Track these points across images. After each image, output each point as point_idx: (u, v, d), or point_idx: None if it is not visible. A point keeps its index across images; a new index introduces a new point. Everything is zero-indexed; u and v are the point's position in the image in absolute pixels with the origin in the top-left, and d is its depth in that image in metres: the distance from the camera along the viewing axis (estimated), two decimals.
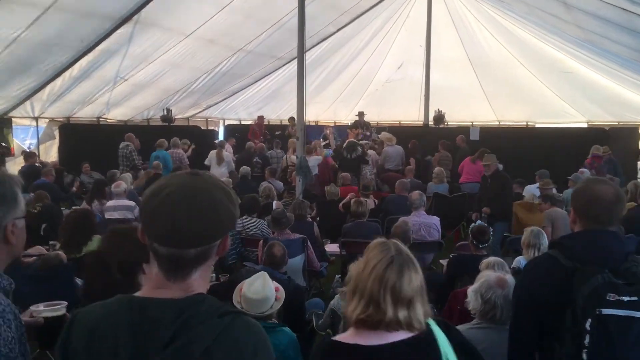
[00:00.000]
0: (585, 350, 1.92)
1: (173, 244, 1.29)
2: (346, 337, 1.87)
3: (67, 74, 10.25)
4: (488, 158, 7.93)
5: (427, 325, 1.85)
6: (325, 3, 12.12)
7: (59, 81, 10.44)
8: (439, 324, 1.90)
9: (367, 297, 1.82)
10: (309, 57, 14.16)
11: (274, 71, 15.43)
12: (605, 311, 1.90)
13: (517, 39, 14.21)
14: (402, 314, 1.79)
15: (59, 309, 2.28)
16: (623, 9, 7.17)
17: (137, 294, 1.34)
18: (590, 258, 2.02)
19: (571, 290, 1.98)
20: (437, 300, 5.12)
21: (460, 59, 16.00)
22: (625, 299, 1.90)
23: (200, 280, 1.36)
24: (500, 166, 8.56)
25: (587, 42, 10.81)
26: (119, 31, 9.53)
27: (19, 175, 10.29)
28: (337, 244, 6.55)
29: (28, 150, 11.48)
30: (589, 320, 1.91)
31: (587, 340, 1.91)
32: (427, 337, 1.83)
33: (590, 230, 2.12)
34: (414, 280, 1.84)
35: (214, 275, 5.57)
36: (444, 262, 6.02)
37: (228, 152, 12.44)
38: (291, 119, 14.96)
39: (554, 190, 8.04)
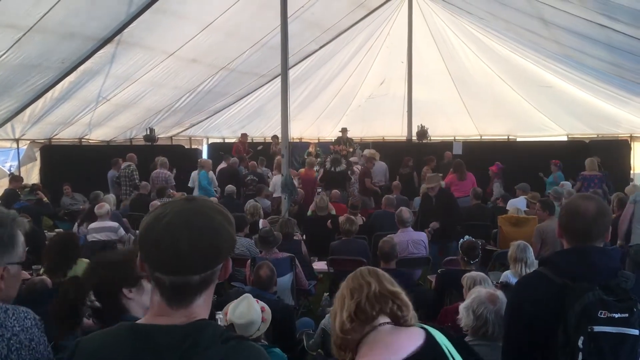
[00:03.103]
0: None
1: (176, 272, 1.29)
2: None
3: (48, 95, 10.18)
4: (430, 179, 8.05)
5: (425, 329, 1.81)
6: (307, 21, 12.20)
7: (40, 103, 10.36)
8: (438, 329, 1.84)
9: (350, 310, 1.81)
10: (291, 74, 14.22)
11: (257, 89, 15.45)
12: (597, 328, 1.92)
13: (497, 54, 14.42)
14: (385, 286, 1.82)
15: None
16: (599, 24, 7.33)
17: (139, 321, 1.34)
18: (579, 275, 2.04)
19: (562, 307, 2.00)
20: (427, 317, 5.13)
21: (441, 74, 16.18)
22: (616, 315, 1.92)
23: (203, 306, 1.35)
24: (443, 183, 8.77)
25: (565, 57, 11.00)
26: (100, 52, 9.50)
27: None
28: (325, 262, 6.53)
29: (9, 172, 11.34)
30: (581, 337, 1.92)
31: (579, 358, 1.92)
32: (433, 345, 1.76)
33: (578, 247, 2.14)
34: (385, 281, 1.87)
35: None
36: (431, 277, 6.03)
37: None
38: (274, 137, 15.00)
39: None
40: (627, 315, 1.92)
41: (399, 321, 1.80)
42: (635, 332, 1.91)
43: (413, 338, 1.76)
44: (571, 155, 11.77)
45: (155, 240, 1.29)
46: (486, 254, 7.17)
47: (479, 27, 13.51)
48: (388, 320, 1.79)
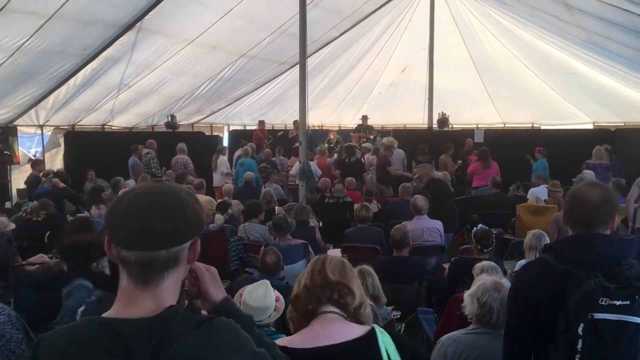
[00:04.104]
0: (578, 355, 1.90)
1: (142, 246, 1.26)
2: (288, 339, 1.82)
3: (71, 82, 10.32)
4: (419, 170, 7.88)
5: (372, 329, 1.78)
6: (328, 8, 12.13)
7: (63, 89, 10.51)
8: (389, 333, 1.80)
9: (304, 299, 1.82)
10: (312, 61, 14.23)
11: (277, 76, 15.45)
12: (598, 316, 1.89)
13: (521, 40, 14.17)
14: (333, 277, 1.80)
15: None
16: (624, 9, 7.13)
17: (106, 314, 1.29)
18: (583, 261, 2.01)
19: (564, 294, 1.97)
20: (439, 305, 5.11)
21: (464, 61, 15.97)
22: (618, 303, 1.88)
23: (173, 289, 1.32)
24: (440, 174, 8.58)
25: (591, 42, 10.74)
26: (121, 39, 9.58)
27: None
28: (340, 249, 6.53)
29: (34, 158, 11.58)
30: (582, 324, 1.90)
31: (579, 345, 1.90)
32: (368, 343, 1.74)
33: (582, 234, 2.10)
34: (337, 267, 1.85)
35: None
36: (447, 266, 5.98)
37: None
38: (296, 122, 14.95)
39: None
40: (628, 302, 1.89)
41: (346, 309, 1.79)
42: (637, 319, 1.88)
43: (346, 331, 1.74)
44: (597, 143, 11.50)
45: (121, 214, 1.27)
46: (504, 243, 7.11)
47: (502, 13, 13.27)
48: (333, 309, 1.78)
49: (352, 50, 15.97)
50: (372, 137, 14.42)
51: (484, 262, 3.77)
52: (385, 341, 1.73)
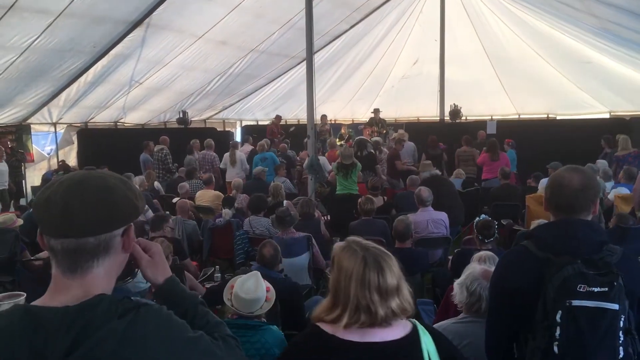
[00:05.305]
0: (556, 343, 1.87)
1: (67, 233, 1.22)
2: (327, 325, 1.76)
3: (82, 79, 10.44)
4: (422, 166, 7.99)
5: (414, 327, 1.77)
6: (337, 0, 12.07)
7: (74, 87, 10.63)
8: (430, 332, 1.78)
9: (353, 305, 1.73)
10: (322, 55, 14.20)
11: (288, 70, 15.43)
12: (575, 302, 1.85)
13: (534, 30, 13.97)
14: (394, 303, 1.73)
15: (19, 301, 2.43)
16: None
17: (35, 302, 1.26)
18: (562, 248, 1.97)
19: (543, 281, 1.93)
20: (442, 296, 5.07)
21: (476, 52, 15.81)
22: (596, 289, 1.84)
23: (105, 278, 1.28)
24: (436, 171, 8.55)
25: (604, 30, 10.55)
26: (131, 35, 9.66)
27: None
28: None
29: (48, 155, 11.76)
30: (560, 312, 1.86)
31: (557, 332, 1.86)
32: (411, 343, 1.73)
33: (562, 220, 2.06)
34: (393, 267, 1.79)
35: (219, 275, 5.59)
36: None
37: (243, 153, 12.45)
38: (323, 116, 14.88)
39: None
40: (606, 289, 1.84)
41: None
42: (615, 306, 1.84)
43: (392, 328, 1.74)
44: (612, 133, 11.30)
45: (46, 201, 1.24)
46: (514, 233, 7.02)
47: (513, 1, 13.10)
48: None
49: (362, 44, 15.91)
50: (384, 131, 14.34)
51: (482, 252, 3.71)
52: (427, 342, 1.72)
